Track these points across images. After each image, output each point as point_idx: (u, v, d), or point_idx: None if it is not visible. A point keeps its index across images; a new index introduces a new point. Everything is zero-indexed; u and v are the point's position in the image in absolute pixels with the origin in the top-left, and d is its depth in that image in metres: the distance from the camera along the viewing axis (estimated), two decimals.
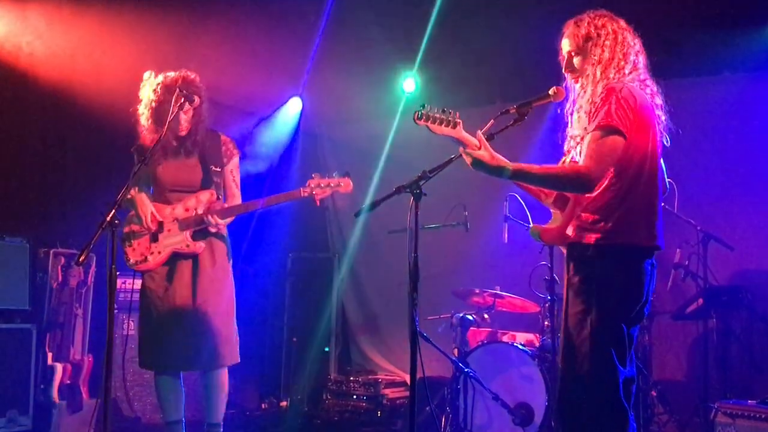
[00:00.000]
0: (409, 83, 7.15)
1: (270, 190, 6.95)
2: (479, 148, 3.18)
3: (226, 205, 4.57)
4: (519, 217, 5.35)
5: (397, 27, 6.38)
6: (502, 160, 3.18)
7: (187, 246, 4.47)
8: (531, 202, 5.09)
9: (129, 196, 4.49)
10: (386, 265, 7.45)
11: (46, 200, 6.41)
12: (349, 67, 6.89)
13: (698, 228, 5.55)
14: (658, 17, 5.40)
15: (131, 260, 4.51)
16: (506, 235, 5.59)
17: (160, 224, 4.47)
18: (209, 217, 4.44)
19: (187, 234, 4.47)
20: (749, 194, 5.87)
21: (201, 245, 4.49)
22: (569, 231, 3.24)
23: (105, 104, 5.97)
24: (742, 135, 5.94)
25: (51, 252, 5.97)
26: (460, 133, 3.21)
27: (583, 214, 3.20)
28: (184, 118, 4.49)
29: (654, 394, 5.56)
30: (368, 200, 4.27)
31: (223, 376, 4.57)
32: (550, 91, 3.37)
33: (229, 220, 4.59)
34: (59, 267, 5.96)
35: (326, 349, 7.26)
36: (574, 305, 3.17)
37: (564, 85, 3.41)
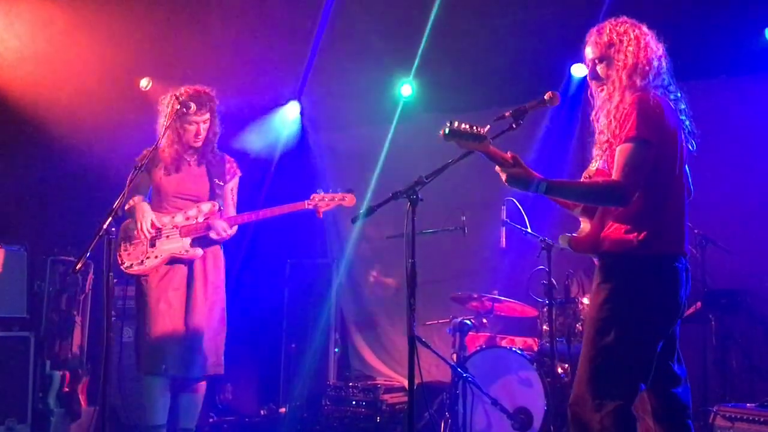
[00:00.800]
0: (406, 88, 7.16)
1: (268, 194, 6.96)
2: (513, 165, 3.17)
3: (233, 215, 4.70)
4: (517, 221, 5.34)
5: (394, 32, 6.39)
6: (537, 175, 3.17)
7: (186, 251, 4.56)
8: (528, 206, 5.12)
9: (129, 204, 4.57)
10: (384, 270, 7.45)
11: (44, 208, 6.42)
12: (347, 73, 6.90)
13: (696, 231, 5.55)
14: (653, 20, 5.41)
15: (126, 263, 4.57)
16: (504, 240, 5.59)
17: (159, 231, 4.53)
18: (217, 224, 4.50)
19: (187, 241, 4.52)
20: (748, 197, 5.86)
21: (199, 251, 4.59)
22: (600, 241, 3.22)
23: (102, 109, 5.98)
24: (741, 138, 5.93)
25: (49, 260, 5.97)
26: (488, 147, 3.19)
27: (615, 224, 3.19)
28: (203, 128, 4.60)
29: None
30: (365, 206, 4.30)
31: (203, 385, 4.69)
32: (546, 96, 3.37)
33: (233, 231, 4.66)
34: (57, 274, 5.96)
35: (336, 350, 7.23)
36: (600, 311, 3.14)
37: (559, 90, 3.43)
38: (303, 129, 7.79)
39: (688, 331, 5.90)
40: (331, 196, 4.65)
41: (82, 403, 5.78)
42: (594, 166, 3.36)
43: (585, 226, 3.34)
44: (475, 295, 5.89)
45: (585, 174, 3.39)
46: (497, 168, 3.21)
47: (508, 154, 3.19)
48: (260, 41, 6.36)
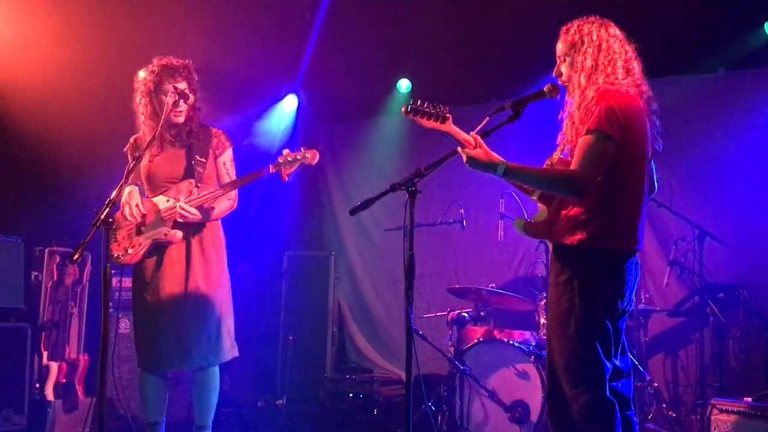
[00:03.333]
0: (404, 82, 7.15)
1: (266, 187, 6.95)
2: (475, 146, 3.20)
3: (195, 195, 4.46)
4: (515, 215, 5.34)
5: (392, 25, 6.37)
6: (497, 158, 3.21)
7: (165, 235, 4.39)
8: (526, 199, 5.11)
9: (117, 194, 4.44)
10: (382, 263, 7.45)
11: (41, 198, 6.40)
12: (345, 66, 6.89)
13: (694, 225, 5.55)
14: (652, 14, 5.41)
15: (114, 254, 4.42)
16: (502, 233, 5.60)
17: (144, 216, 4.41)
18: (176, 209, 4.37)
19: (167, 224, 4.40)
20: (745, 191, 5.87)
21: (179, 234, 4.41)
22: (554, 230, 3.26)
23: (98, 99, 5.96)
24: (739, 132, 5.93)
25: (46, 250, 5.96)
26: (450, 127, 3.25)
27: (568, 214, 3.24)
28: (183, 105, 4.45)
29: (650, 391, 5.56)
30: (363, 198, 4.27)
31: (215, 377, 4.54)
32: (545, 88, 3.37)
33: (199, 216, 4.45)
34: (54, 265, 5.95)
35: (334, 330, 7.22)
36: (558, 305, 3.22)
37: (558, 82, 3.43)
38: (301, 122, 7.77)
39: (685, 324, 5.97)
40: (293, 155, 4.37)
41: (80, 394, 5.77)
42: (557, 154, 3.38)
43: (542, 212, 3.39)
44: (473, 288, 5.89)
45: (547, 161, 3.43)
46: (459, 149, 3.24)
47: (471, 136, 3.22)
48: (257, 31, 6.34)
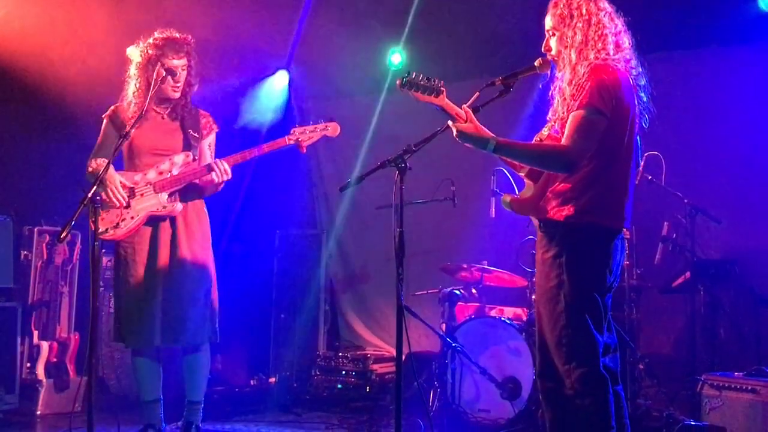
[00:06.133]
0: (396, 57, 7.09)
1: (257, 165, 6.91)
2: (465, 121, 3.18)
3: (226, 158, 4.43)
4: (506, 191, 5.31)
5: (384, 0, 6.32)
6: (487, 133, 3.19)
7: (164, 207, 4.35)
8: (518, 176, 5.09)
9: (92, 167, 4.37)
10: (374, 241, 7.43)
11: (30, 177, 6.36)
12: (336, 41, 6.82)
13: (685, 201, 5.54)
14: None
15: (101, 228, 4.28)
16: (494, 210, 5.57)
17: (131, 190, 4.34)
18: (218, 164, 4.32)
19: (163, 196, 4.36)
20: (737, 167, 5.85)
21: (179, 206, 4.38)
22: (541, 206, 3.24)
23: (87, 76, 5.90)
24: (731, 108, 5.91)
25: (35, 229, 5.93)
26: (444, 101, 3.22)
27: (556, 190, 3.22)
28: (182, 75, 4.41)
29: (642, 367, 5.57)
30: (355, 175, 4.25)
31: (206, 353, 4.53)
32: (536, 63, 3.35)
33: (226, 176, 4.42)
34: (44, 245, 5.93)
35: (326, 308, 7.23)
36: (547, 280, 3.21)
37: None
38: (292, 98, 7.72)
39: (676, 300, 5.97)
40: (313, 128, 4.40)
41: (71, 373, 5.77)
42: (546, 130, 3.36)
43: (528, 188, 3.37)
44: (465, 266, 5.88)
45: (536, 137, 3.41)
46: (449, 122, 3.21)
47: (463, 109, 3.19)
48: (247, 10, 6.27)
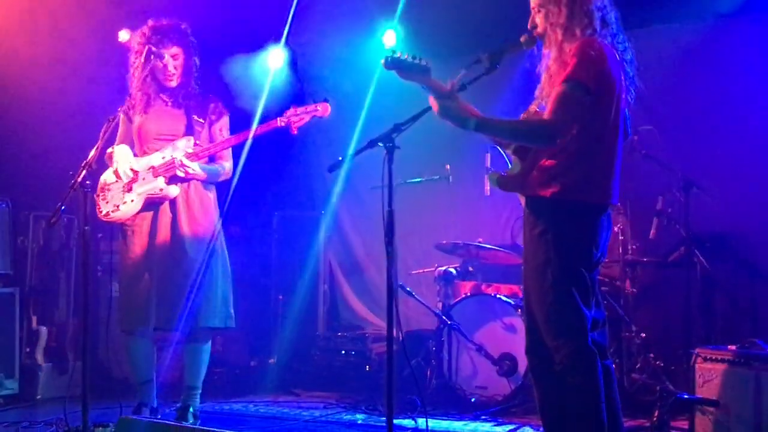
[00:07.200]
0: (390, 36, 7.04)
1: (254, 148, 6.88)
2: (447, 97, 3.17)
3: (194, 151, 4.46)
4: (501, 169, 5.30)
5: None
6: (469, 111, 3.17)
7: (161, 190, 4.39)
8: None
9: (109, 152, 4.46)
10: (372, 221, 7.42)
11: (27, 162, 6.36)
12: (329, 20, 6.79)
13: (679, 175, 5.52)
14: None
15: (103, 211, 4.41)
16: (488, 188, 5.57)
17: (136, 174, 4.39)
18: (178, 159, 4.36)
19: (162, 180, 4.39)
20: (731, 140, 5.82)
21: (174, 189, 4.42)
22: (528, 183, 3.23)
23: (86, 63, 5.90)
24: (724, 81, 5.87)
25: (32, 215, 5.94)
26: (430, 80, 3.20)
27: (542, 167, 3.21)
28: (173, 64, 4.44)
29: (638, 341, 5.59)
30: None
31: (208, 344, 4.59)
32: (522, 39, 3.33)
33: (201, 173, 4.47)
34: (41, 230, 5.94)
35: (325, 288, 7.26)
36: (534, 257, 3.21)
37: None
38: (287, 76, 7.66)
39: (672, 275, 5.97)
40: (304, 109, 4.41)
41: (70, 357, 5.80)
42: (534, 107, 3.35)
43: (516, 165, 3.36)
44: (461, 244, 5.89)
45: (523, 114, 3.39)
46: (430, 98, 3.21)
47: (448, 86, 3.18)
48: None
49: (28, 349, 5.71)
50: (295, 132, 4.45)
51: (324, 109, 4.45)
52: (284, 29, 7.06)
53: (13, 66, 6.05)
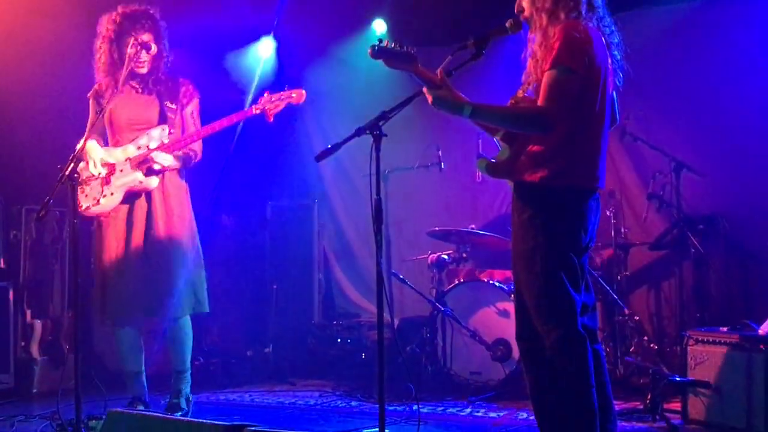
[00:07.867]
0: (380, 24, 7.03)
1: (246, 137, 6.89)
2: (440, 86, 3.16)
3: (167, 142, 4.43)
4: (493, 155, 5.30)
5: None
6: (462, 98, 3.16)
7: (140, 182, 4.36)
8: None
9: (78, 147, 4.40)
10: (365, 209, 7.41)
11: (18, 156, 6.33)
12: (320, 8, 6.77)
13: (670, 157, 5.52)
14: None
15: (83, 205, 4.38)
16: (480, 174, 5.56)
17: (112, 166, 4.36)
18: (151, 155, 4.33)
19: (140, 172, 4.37)
20: (720, 121, 5.81)
21: (154, 180, 4.39)
22: (516, 169, 3.23)
23: (76, 56, 5.85)
24: (712, 62, 5.86)
25: (24, 209, 5.93)
26: (417, 68, 3.21)
27: (530, 152, 3.19)
28: (143, 52, 4.39)
29: (631, 325, 5.61)
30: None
31: (187, 325, 4.56)
32: (507, 24, 3.31)
33: (175, 164, 4.46)
34: (33, 223, 5.93)
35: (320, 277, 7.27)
36: (523, 242, 3.20)
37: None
38: (276, 66, 7.65)
39: (665, 257, 5.98)
40: (278, 95, 4.36)
41: (66, 351, 5.80)
42: (521, 92, 3.34)
43: (504, 151, 3.33)
44: (454, 230, 5.89)
45: (511, 100, 3.37)
46: (424, 89, 3.20)
47: (437, 75, 3.17)
48: None
49: (23, 343, 5.71)
50: (271, 119, 4.39)
51: (299, 96, 4.41)
52: (274, 19, 7.04)
53: (2, 60, 6.01)
